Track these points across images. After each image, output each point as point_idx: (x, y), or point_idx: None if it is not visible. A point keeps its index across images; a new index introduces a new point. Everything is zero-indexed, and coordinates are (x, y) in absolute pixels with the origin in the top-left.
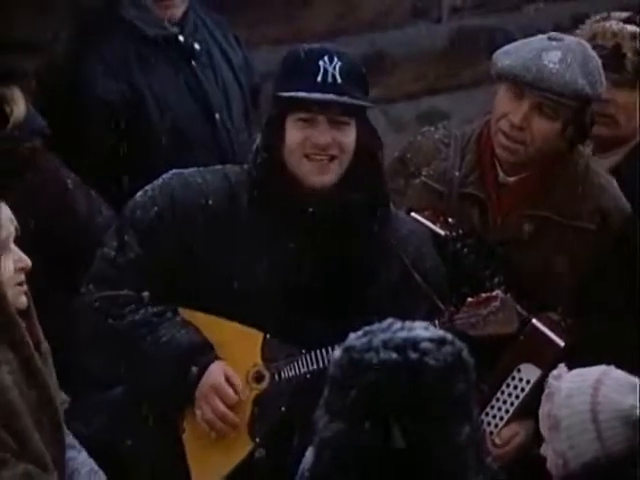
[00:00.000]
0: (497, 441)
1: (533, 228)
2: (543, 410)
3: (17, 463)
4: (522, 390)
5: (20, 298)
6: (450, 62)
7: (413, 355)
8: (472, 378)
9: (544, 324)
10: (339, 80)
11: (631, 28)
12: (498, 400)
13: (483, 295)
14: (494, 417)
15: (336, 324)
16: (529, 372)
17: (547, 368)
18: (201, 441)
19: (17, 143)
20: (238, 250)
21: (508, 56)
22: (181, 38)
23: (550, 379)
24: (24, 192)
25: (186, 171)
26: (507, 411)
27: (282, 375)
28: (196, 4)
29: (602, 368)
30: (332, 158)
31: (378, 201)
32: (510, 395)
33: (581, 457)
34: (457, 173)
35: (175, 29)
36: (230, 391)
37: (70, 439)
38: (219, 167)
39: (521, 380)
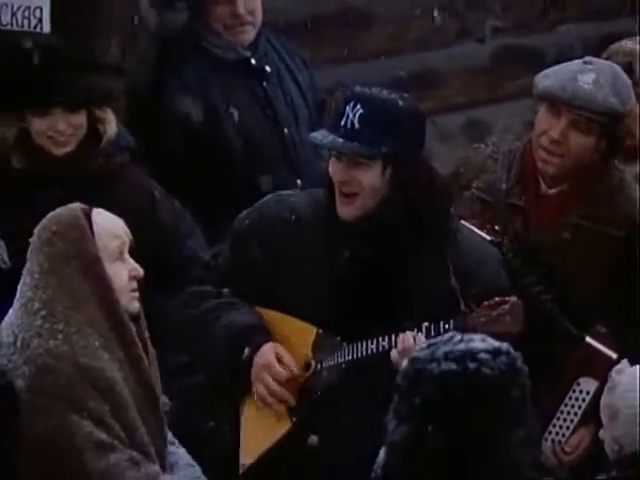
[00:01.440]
0: (567, 449)
1: (570, 235)
2: (604, 400)
3: (124, 449)
4: (583, 401)
5: (133, 303)
6: (492, 77)
7: (471, 365)
8: (526, 385)
9: (596, 340)
10: (357, 126)
11: None
12: (562, 412)
13: (497, 299)
14: (561, 427)
15: (379, 323)
16: (588, 384)
17: (603, 379)
18: (251, 422)
19: (109, 158)
20: (303, 260)
21: (547, 78)
22: (253, 61)
23: (612, 373)
24: (115, 203)
25: (285, 192)
26: (572, 421)
27: (323, 364)
28: (266, 29)
29: None
30: (354, 194)
31: (428, 223)
32: (573, 406)
33: (635, 445)
34: (504, 185)
35: (248, 53)
36: (280, 369)
37: (170, 436)
38: (315, 189)
39: (581, 392)
